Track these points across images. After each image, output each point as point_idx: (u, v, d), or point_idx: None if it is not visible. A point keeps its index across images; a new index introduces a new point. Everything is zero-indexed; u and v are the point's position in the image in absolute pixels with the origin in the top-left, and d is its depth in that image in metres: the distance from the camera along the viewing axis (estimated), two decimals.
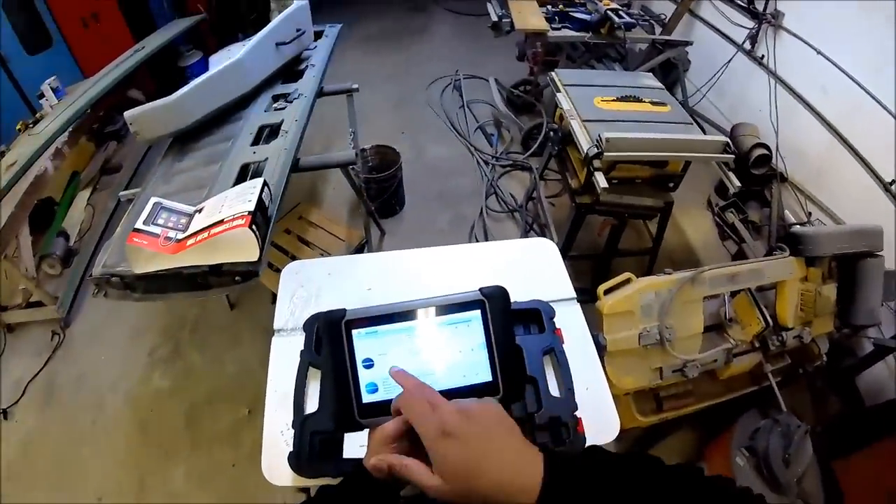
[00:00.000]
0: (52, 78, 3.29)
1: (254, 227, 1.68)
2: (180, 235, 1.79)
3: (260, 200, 1.76)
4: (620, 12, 3.80)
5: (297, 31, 2.91)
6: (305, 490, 1.29)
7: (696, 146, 2.46)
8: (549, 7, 4.02)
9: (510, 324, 0.84)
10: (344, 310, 0.81)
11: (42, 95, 3.28)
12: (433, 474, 0.66)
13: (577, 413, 1.26)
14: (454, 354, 0.82)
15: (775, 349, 2.28)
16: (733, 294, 2.33)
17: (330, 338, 0.80)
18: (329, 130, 4.14)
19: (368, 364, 0.80)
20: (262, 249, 1.74)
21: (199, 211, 1.86)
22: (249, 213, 1.69)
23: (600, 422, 1.31)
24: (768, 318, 2.22)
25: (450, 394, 0.79)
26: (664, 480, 0.64)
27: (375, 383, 0.81)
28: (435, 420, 0.67)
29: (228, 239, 1.68)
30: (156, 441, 2.71)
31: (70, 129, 3.23)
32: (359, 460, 0.79)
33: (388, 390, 0.80)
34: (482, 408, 0.70)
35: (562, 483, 0.62)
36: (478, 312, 0.81)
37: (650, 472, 0.65)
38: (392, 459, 0.70)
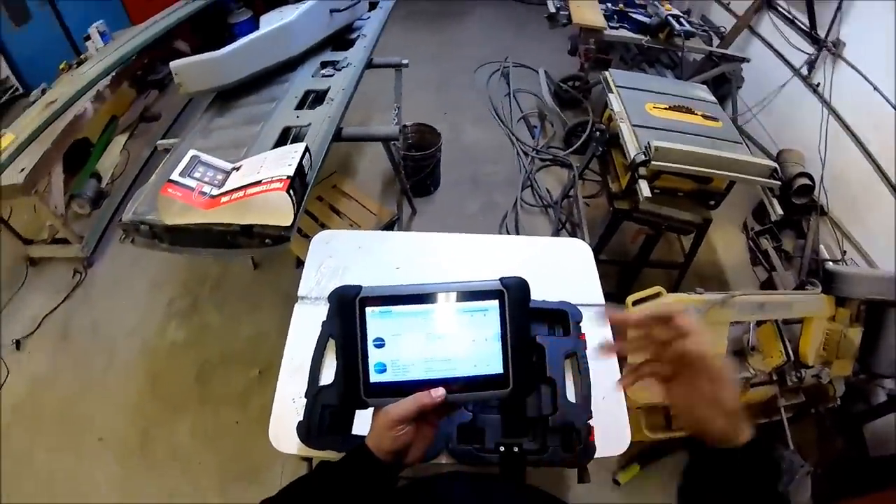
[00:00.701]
0: (100, 22, 3.31)
1: (291, 191, 1.65)
2: (215, 191, 1.78)
3: (300, 166, 1.74)
4: (681, 19, 3.71)
5: None
6: (308, 460, 1.28)
7: (744, 167, 2.40)
8: (609, 5, 3.94)
9: (527, 317, 0.82)
10: (359, 286, 0.79)
11: (88, 38, 3.29)
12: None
13: (591, 422, 1.24)
14: (467, 343, 0.80)
15: (792, 384, 2.24)
16: (759, 323, 2.29)
17: (342, 314, 0.79)
18: (369, 104, 4.11)
19: (379, 344, 0.79)
20: (296, 215, 1.73)
21: (237, 169, 1.85)
22: (288, 177, 1.67)
23: (612, 433, 1.29)
24: (790, 352, 2.18)
25: (458, 383, 0.79)
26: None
27: (384, 364, 0.80)
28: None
29: (264, 201, 1.67)
30: (164, 393, 2.72)
31: (113, 73, 3.22)
32: (362, 437, 0.79)
33: (397, 372, 0.80)
34: None
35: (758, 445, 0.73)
36: (496, 302, 0.80)
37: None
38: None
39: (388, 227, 3.11)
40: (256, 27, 2.67)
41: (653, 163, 2.30)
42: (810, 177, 3.24)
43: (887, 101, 2.97)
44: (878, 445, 2.53)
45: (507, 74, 5.09)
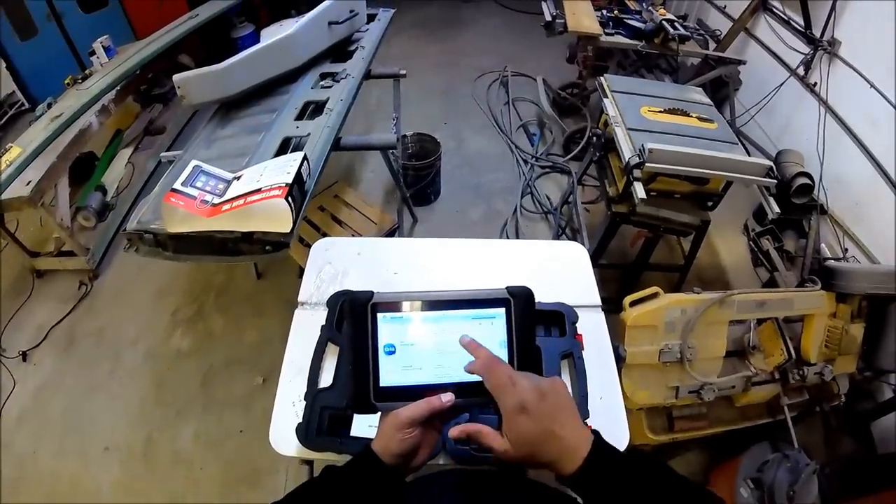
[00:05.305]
0: (105, 37, 3.35)
1: (289, 199, 1.69)
2: (216, 200, 1.82)
3: (298, 174, 1.78)
4: (676, 24, 3.72)
5: (351, 12, 2.93)
6: (309, 463, 1.30)
7: (739, 167, 2.40)
8: (604, 12, 3.97)
9: (533, 326, 0.85)
10: (371, 292, 0.81)
11: (93, 53, 3.34)
12: (504, 440, 0.74)
13: (588, 422, 1.25)
14: None
15: (795, 383, 2.23)
16: (760, 322, 2.29)
17: (354, 318, 0.81)
18: (372, 114, 4.15)
19: (390, 349, 0.81)
20: (295, 222, 1.76)
21: (238, 178, 1.88)
22: (287, 184, 1.70)
23: (610, 434, 1.27)
24: (792, 350, 2.17)
25: (465, 388, 0.81)
26: (687, 494, 0.72)
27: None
28: (515, 395, 0.73)
29: (263, 208, 1.70)
30: (169, 399, 2.75)
31: (118, 87, 3.28)
32: (367, 441, 0.80)
33: (406, 377, 0.81)
34: (553, 388, 0.76)
35: (598, 465, 0.72)
36: (503, 310, 0.82)
37: (675, 483, 0.73)
38: (469, 428, 0.78)
39: (389, 235, 3.12)
40: (258, 41, 2.72)
41: (647, 165, 2.31)
42: (810, 176, 3.24)
43: (884, 97, 2.98)
44: (888, 442, 2.52)
45: (507, 83, 5.13)
